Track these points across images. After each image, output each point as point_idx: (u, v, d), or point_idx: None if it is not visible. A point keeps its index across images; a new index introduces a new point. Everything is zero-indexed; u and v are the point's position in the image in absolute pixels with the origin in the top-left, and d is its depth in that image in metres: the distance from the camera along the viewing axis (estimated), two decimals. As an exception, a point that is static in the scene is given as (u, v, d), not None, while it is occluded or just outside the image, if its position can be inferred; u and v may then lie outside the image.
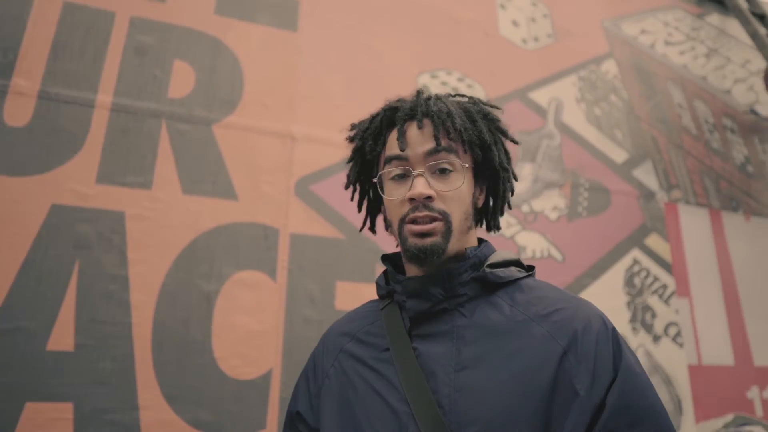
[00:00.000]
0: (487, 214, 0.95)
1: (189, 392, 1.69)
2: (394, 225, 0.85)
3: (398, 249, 0.89)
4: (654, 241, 2.70)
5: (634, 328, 2.47)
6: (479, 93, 2.55)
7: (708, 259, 2.82)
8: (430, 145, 0.82)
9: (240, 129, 2.01)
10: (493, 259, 0.85)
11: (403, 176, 0.83)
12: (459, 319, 0.80)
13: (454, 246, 0.82)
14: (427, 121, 0.84)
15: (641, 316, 2.52)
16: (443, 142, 0.82)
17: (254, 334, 1.82)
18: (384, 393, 0.81)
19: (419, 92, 0.91)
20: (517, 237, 2.42)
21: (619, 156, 2.79)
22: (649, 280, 2.62)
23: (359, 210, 1.02)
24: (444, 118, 0.83)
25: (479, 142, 0.86)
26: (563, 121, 2.74)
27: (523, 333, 0.77)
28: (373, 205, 1.00)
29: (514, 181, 0.94)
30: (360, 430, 0.81)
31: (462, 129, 0.83)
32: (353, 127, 0.97)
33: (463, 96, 0.93)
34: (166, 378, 1.67)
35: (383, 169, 0.87)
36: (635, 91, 3.00)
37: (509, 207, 0.95)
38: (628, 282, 2.56)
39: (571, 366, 0.73)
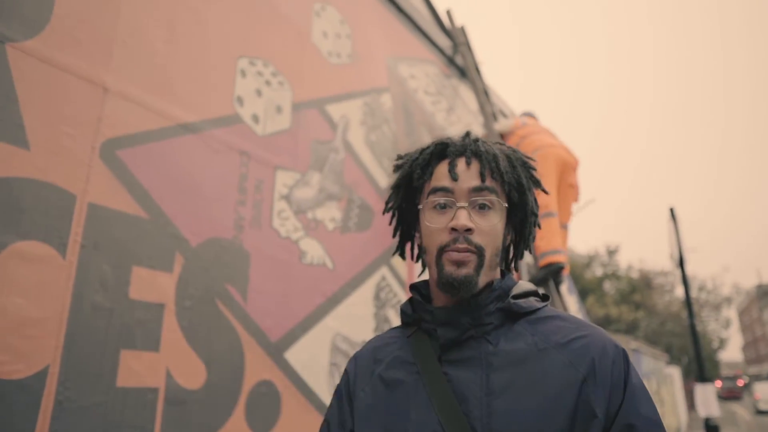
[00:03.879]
0: (508, 253, 1.01)
1: (-68, 395, 1.25)
2: (432, 252, 0.88)
3: (420, 278, 0.91)
4: (397, 260, 3.09)
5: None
6: (288, 93, 2.54)
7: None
8: (476, 182, 0.88)
9: (42, 60, 1.58)
10: (516, 290, 0.93)
11: (445, 207, 0.88)
12: (486, 346, 0.87)
13: (483, 279, 0.88)
14: (474, 160, 0.90)
15: (382, 327, 2.85)
16: (487, 182, 0.89)
17: (31, 322, 1.44)
18: (416, 416, 0.84)
19: (468, 133, 0.96)
20: (301, 242, 2.48)
21: (383, 181, 3.12)
22: (391, 294, 2.99)
23: (393, 235, 1.01)
24: (490, 159, 0.90)
25: (517, 185, 0.93)
26: (348, 139, 2.92)
27: (545, 360, 0.84)
28: (406, 233, 1.00)
29: (537, 228, 1.02)
30: None
31: (504, 171, 0.91)
32: (400, 157, 0.99)
33: (501, 144, 0.99)
34: None
35: (427, 198, 0.90)
36: (401, 127, 3.40)
37: (530, 251, 1.03)
38: (377, 295, 2.88)
39: (591, 391, 0.81)
